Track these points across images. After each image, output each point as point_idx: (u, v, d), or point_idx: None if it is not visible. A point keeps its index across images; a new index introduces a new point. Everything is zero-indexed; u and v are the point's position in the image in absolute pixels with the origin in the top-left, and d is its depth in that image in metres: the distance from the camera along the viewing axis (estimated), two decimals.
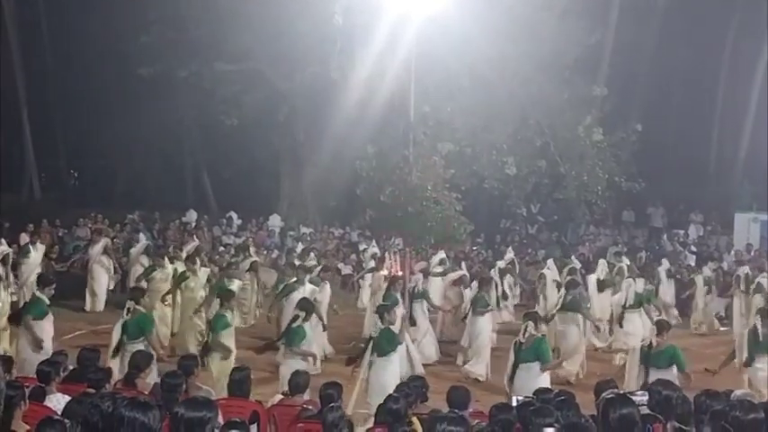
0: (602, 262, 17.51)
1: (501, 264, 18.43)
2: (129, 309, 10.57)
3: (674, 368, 10.02)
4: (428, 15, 16.08)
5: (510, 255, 19.91)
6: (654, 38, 30.48)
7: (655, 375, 9.84)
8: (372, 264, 17.97)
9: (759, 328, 11.06)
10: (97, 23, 28.56)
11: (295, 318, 11.11)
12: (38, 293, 11.35)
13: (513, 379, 10.05)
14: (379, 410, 7.08)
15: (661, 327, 10.51)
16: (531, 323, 10.34)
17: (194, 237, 20.70)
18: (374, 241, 21.91)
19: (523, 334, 10.27)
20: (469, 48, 21.12)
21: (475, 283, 15.14)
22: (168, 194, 31.18)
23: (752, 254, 22.78)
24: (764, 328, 11.03)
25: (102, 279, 18.43)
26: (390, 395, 6.93)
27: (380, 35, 19.92)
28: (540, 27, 21.58)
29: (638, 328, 13.88)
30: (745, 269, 18.26)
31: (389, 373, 10.20)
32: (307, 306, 11.52)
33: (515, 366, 10.08)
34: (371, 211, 16.59)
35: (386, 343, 10.43)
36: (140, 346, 10.12)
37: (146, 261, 17.42)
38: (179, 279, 14.91)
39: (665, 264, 19.73)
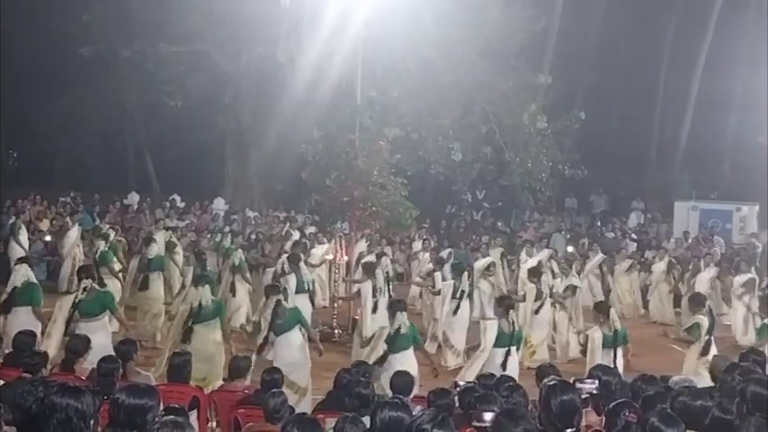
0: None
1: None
2: (85, 288, 10.12)
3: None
4: None
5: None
6: (597, 26, 30.88)
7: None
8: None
9: None
10: (38, 1, 27.75)
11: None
12: None
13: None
14: (334, 396, 6.99)
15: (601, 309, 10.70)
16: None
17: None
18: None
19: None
20: (416, 31, 21.08)
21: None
22: (110, 176, 30.62)
23: (689, 241, 23.27)
24: None
25: None
26: (359, 380, 6.81)
27: (328, 18, 19.72)
28: (485, 12, 21.65)
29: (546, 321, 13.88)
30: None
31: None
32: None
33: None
34: (317, 195, 16.51)
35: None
36: (97, 325, 9.90)
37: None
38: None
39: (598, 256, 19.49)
